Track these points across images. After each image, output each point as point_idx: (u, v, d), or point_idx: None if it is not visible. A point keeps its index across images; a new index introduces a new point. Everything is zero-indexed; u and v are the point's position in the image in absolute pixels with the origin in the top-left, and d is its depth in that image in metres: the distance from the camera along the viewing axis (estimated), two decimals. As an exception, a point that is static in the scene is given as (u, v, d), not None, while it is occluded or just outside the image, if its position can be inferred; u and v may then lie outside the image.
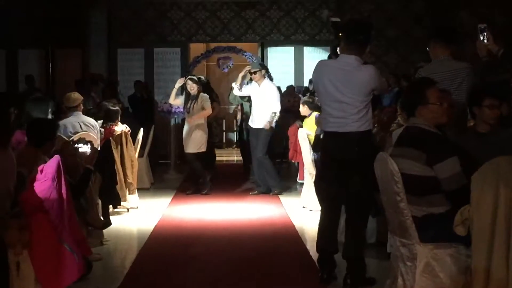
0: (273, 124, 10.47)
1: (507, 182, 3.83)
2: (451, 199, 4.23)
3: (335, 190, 5.72)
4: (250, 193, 10.72)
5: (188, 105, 10.62)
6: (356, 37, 5.56)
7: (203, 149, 10.67)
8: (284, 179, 11.48)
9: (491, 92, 5.04)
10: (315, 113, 9.46)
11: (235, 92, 10.89)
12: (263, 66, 11.19)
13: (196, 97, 10.56)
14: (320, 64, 5.81)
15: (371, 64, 5.83)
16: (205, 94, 10.74)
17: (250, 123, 10.72)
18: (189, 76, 11.01)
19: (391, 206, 4.35)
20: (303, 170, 9.75)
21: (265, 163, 10.50)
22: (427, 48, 6.11)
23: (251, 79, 10.82)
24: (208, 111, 10.61)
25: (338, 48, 6.31)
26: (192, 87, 10.57)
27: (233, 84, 10.98)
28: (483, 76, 6.23)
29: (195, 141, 10.57)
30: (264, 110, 10.43)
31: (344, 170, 5.59)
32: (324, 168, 5.85)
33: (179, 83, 10.95)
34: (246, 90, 10.71)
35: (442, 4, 14.07)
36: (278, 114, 10.50)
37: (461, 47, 6.18)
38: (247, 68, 10.74)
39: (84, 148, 6.20)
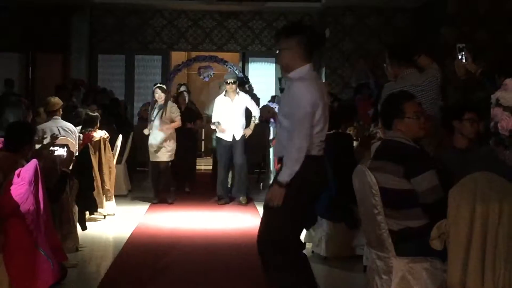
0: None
1: (484, 197, 3.86)
2: (428, 213, 4.24)
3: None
4: (218, 203, 10.72)
5: (155, 114, 10.53)
6: (307, 41, 4.73)
7: (173, 157, 10.67)
8: (264, 189, 11.48)
9: (472, 107, 5.09)
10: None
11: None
12: (243, 79, 11.23)
13: (164, 106, 10.49)
14: (307, 82, 4.70)
15: None
16: (174, 104, 10.74)
17: (221, 135, 10.67)
18: (158, 85, 10.87)
19: (368, 219, 4.36)
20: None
21: (245, 169, 10.58)
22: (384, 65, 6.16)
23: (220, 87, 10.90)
24: (178, 123, 10.59)
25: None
26: (160, 96, 10.49)
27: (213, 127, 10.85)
28: (463, 93, 6.29)
29: (168, 150, 10.54)
30: (241, 123, 10.52)
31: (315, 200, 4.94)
32: (303, 209, 4.81)
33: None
34: (218, 112, 10.61)
35: (425, 20, 14.16)
36: (257, 118, 10.69)
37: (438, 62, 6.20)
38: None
39: (60, 151, 6.12)
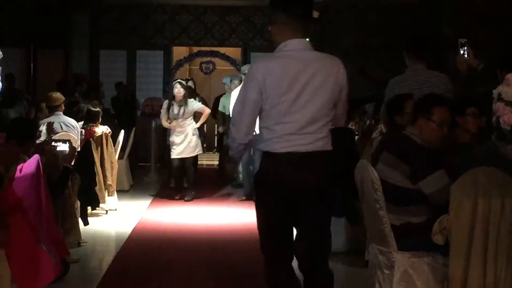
0: None
1: (485, 192, 3.87)
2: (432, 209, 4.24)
3: (287, 239, 4.15)
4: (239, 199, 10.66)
5: (176, 111, 10.39)
6: (300, 11, 4.12)
7: (200, 150, 10.66)
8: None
9: (474, 102, 5.10)
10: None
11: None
12: None
13: (184, 102, 10.38)
14: (264, 60, 4.13)
15: None
16: (192, 99, 10.68)
17: None
18: (178, 80, 10.84)
19: (370, 214, 4.36)
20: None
21: None
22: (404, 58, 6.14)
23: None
24: (207, 109, 10.63)
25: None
26: (179, 91, 10.34)
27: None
28: (464, 89, 6.28)
29: (194, 145, 10.52)
30: None
31: (301, 205, 4.03)
32: (271, 216, 4.06)
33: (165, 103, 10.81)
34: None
35: (425, 17, 14.14)
36: None
37: (438, 58, 6.21)
38: None
39: (62, 147, 6.14)
